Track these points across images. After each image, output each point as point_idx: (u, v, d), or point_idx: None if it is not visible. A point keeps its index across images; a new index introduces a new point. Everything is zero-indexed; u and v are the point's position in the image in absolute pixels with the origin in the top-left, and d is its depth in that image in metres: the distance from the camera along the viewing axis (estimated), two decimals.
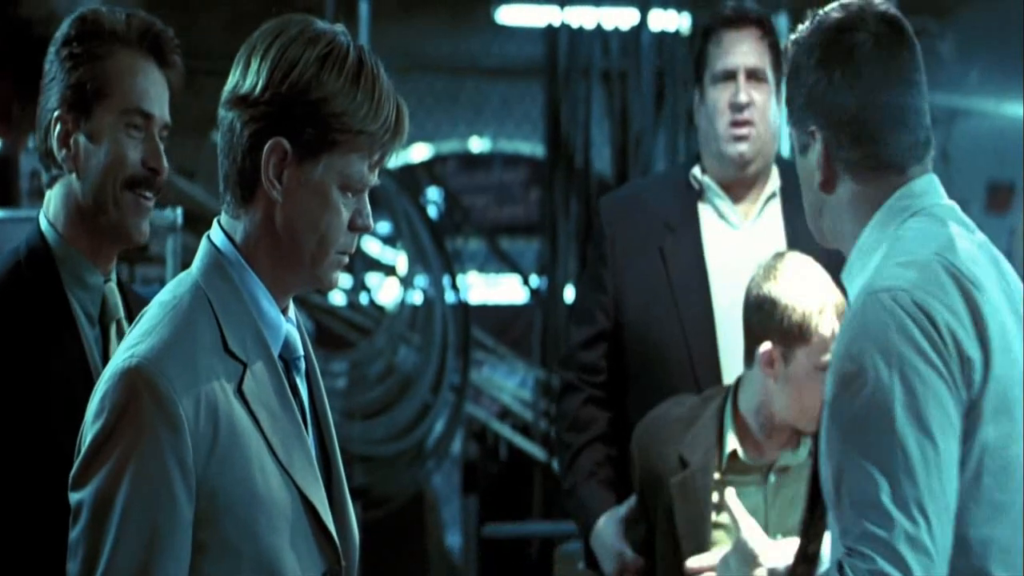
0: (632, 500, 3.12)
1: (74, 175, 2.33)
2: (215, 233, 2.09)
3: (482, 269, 8.75)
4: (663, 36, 7.48)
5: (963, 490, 2.00)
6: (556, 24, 7.46)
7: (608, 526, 3.18)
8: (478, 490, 7.76)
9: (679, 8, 7.62)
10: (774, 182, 3.34)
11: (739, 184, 3.31)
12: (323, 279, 2.09)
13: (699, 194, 3.33)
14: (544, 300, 7.52)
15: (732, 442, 2.92)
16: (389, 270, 8.18)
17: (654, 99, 7.37)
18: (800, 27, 2.18)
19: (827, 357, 2.72)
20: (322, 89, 1.99)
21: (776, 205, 3.33)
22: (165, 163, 2.38)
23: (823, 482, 2.10)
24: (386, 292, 8.24)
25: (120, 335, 2.35)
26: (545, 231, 7.51)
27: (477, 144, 10.18)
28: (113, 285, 2.39)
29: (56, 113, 2.32)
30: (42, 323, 2.28)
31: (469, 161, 10.70)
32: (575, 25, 7.45)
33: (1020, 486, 2.04)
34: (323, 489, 2.08)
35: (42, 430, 2.23)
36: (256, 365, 2.02)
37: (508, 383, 8.01)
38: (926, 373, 1.98)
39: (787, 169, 3.37)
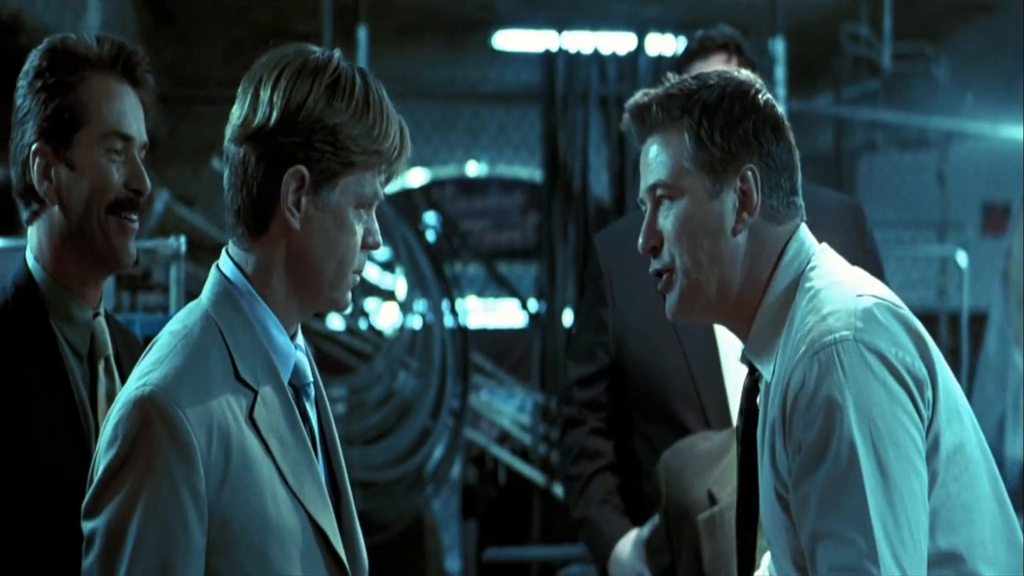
0: (654, 521, 3.07)
1: (56, 207, 2.28)
2: (224, 263, 2.11)
3: (480, 294, 8.77)
4: (660, 60, 7.51)
5: (938, 504, 2.05)
6: (553, 49, 7.49)
7: (629, 549, 3.14)
8: (477, 515, 7.75)
9: (675, 32, 7.66)
10: None
11: None
12: (340, 301, 2.12)
13: None
14: (543, 324, 7.54)
15: None
16: (388, 295, 8.20)
17: None
18: (672, 85, 2.21)
19: None
20: (337, 115, 2.03)
21: None
22: (148, 183, 2.35)
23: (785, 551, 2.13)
24: (385, 317, 8.25)
25: (108, 371, 2.34)
26: (543, 255, 7.52)
27: (474, 169, 10.21)
28: (102, 320, 2.36)
29: (35, 146, 2.27)
30: (29, 361, 2.25)
31: (466, 186, 10.73)
32: (572, 50, 7.48)
33: (982, 481, 2.11)
34: (333, 515, 2.09)
35: (29, 468, 2.19)
36: (266, 392, 2.04)
37: (507, 407, 8.01)
38: (891, 415, 2.02)
39: None
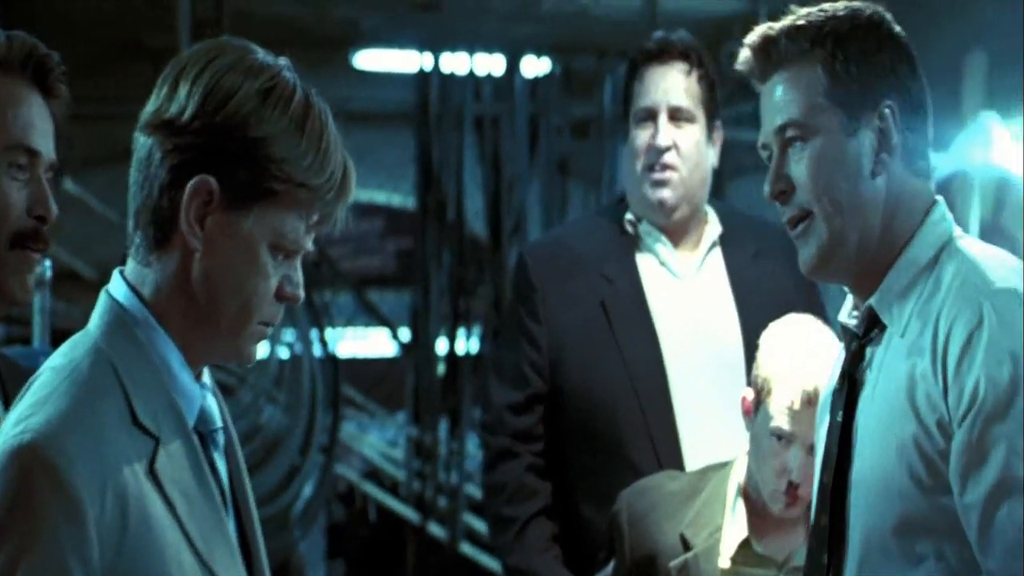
0: (607, 572, 2.79)
1: None
2: (116, 286, 1.81)
3: (349, 322, 8.47)
4: (536, 81, 7.36)
5: None
6: (428, 69, 7.27)
7: None
8: (346, 555, 7.48)
9: (550, 55, 7.51)
10: (714, 228, 3.11)
11: (675, 229, 3.07)
12: (242, 351, 1.83)
13: (634, 240, 3.08)
14: (416, 354, 7.27)
15: (741, 525, 2.65)
16: None
17: (528, 145, 7.22)
18: (797, 16, 2.04)
19: (778, 425, 2.53)
20: (262, 127, 1.73)
21: (718, 254, 3.09)
22: (54, 209, 2.03)
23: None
24: None
25: None
26: (416, 282, 7.28)
27: None
28: None
29: None
30: None
31: None
32: (447, 71, 7.28)
33: None
34: None
35: None
36: (169, 440, 1.75)
37: (378, 441, 7.76)
38: None
39: (728, 215, 3.13)
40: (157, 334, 1.76)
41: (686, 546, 2.62)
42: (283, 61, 1.79)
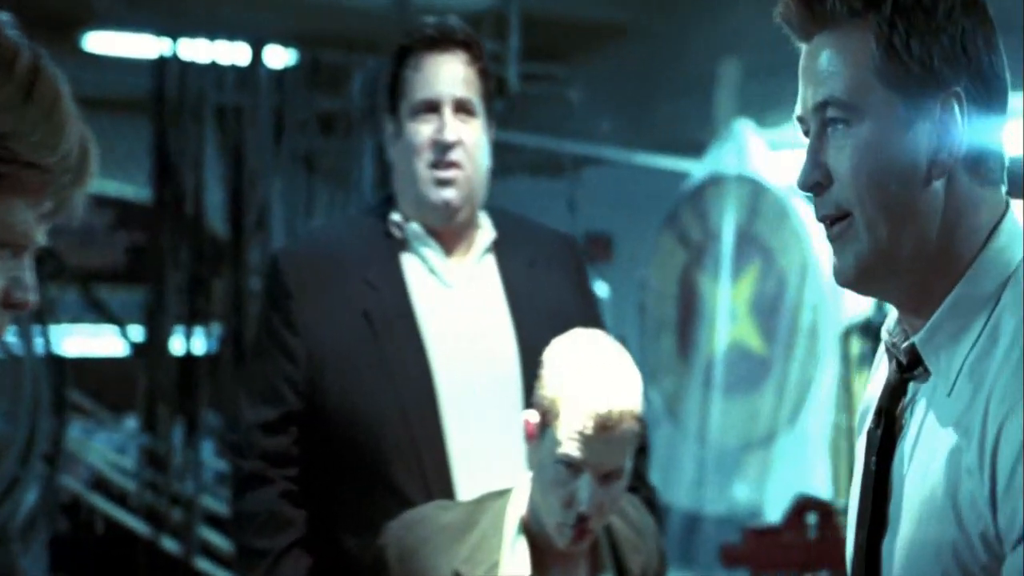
0: None
1: None
2: None
3: (75, 320, 7.97)
4: (282, 73, 7.05)
5: None
6: (167, 55, 6.88)
7: None
8: (70, 570, 7.03)
9: (298, 44, 7.23)
10: (487, 233, 2.89)
11: (448, 233, 2.84)
12: None
13: (401, 244, 2.84)
14: (149, 356, 6.86)
15: (522, 561, 2.42)
16: None
17: (272, 138, 6.90)
18: None
19: (567, 451, 2.34)
20: None
21: (492, 261, 2.88)
22: None
23: None
24: None
25: None
26: (150, 280, 6.88)
27: None
28: None
29: None
30: None
31: None
32: (187, 58, 6.90)
33: None
34: None
35: None
36: None
37: (106, 448, 7.30)
38: None
39: (501, 219, 2.92)
40: None
41: None
42: (4, 16, 1.49)
